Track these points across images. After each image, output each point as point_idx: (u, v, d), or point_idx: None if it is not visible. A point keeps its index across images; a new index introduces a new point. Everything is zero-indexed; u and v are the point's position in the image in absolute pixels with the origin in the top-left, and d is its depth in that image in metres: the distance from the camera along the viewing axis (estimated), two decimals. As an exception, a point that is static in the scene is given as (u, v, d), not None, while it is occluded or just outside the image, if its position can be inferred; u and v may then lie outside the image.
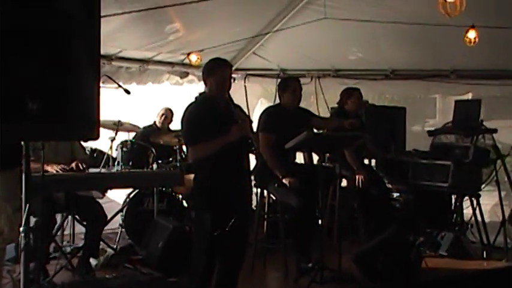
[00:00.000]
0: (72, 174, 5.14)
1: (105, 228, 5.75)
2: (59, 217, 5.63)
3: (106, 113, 5.42)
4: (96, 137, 3.01)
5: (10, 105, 2.61)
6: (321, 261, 5.01)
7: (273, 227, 6.08)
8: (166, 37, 7.39)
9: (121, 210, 6.54)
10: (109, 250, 5.84)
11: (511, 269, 5.82)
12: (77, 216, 5.65)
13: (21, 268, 3.21)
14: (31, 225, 3.20)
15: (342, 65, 8.67)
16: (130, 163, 6.30)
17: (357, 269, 5.12)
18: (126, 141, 6.53)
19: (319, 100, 8.67)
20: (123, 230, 6.54)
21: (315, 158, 6.11)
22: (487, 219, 6.68)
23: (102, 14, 2.97)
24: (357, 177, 6.24)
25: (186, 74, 8.53)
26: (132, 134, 7.04)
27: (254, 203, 5.55)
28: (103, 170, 5.65)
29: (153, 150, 6.67)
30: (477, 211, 6.52)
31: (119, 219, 6.54)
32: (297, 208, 5.30)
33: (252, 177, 4.99)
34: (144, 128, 7.48)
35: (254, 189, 5.58)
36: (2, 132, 2.58)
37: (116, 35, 6.65)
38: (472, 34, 6.53)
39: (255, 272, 5.58)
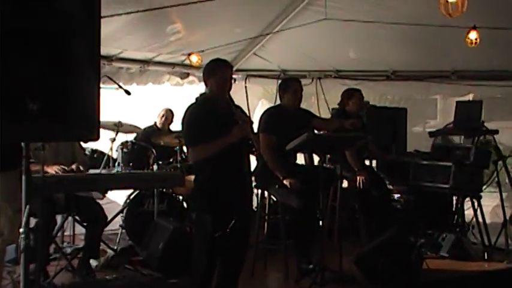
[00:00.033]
0: (73, 175, 5.13)
1: (106, 229, 5.73)
2: (59, 218, 5.62)
3: (106, 113, 5.39)
4: (96, 137, 3.00)
5: (10, 106, 2.60)
6: (321, 262, 4.99)
7: (274, 228, 6.08)
8: (166, 38, 7.39)
9: (121, 211, 6.53)
10: (109, 251, 5.83)
11: (512, 271, 5.82)
12: (77, 217, 5.64)
13: (21, 269, 3.19)
14: (31, 226, 3.19)
15: (342, 66, 8.66)
16: (131, 164, 6.28)
17: (358, 270, 5.11)
18: (126, 142, 6.51)
19: (320, 101, 8.66)
20: (123, 231, 6.53)
21: (316, 159, 6.09)
22: (488, 221, 6.68)
23: (102, 15, 2.96)
24: (357, 178, 6.23)
25: (187, 75, 8.53)
26: (132, 135, 7.02)
27: (255, 204, 5.54)
28: (103, 171, 5.64)
29: (154, 151, 6.66)
30: (478, 212, 6.52)
31: (119, 220, 6.53)
32: (298, 209, 5.29)
33: (253, 178, 4.98)
34: (144, 128, 7.47)
35: (255, 190, 5.57)
36: (2, 132, 2.57)
37: (117, 36, 6.65)
38: (473, 35, 6.52)
39: (256, 273, 5.57)
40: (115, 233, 6.65)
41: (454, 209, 6.77)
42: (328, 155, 6.58)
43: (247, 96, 8.87)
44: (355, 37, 7.82)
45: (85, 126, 2.89)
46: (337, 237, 6.33)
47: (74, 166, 5.27)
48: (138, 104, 7.84)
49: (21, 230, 3.13)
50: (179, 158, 6.89)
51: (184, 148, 6.68)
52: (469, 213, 6.66)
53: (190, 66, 8.11)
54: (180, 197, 7.05)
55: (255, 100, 9.27)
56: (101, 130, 3.07)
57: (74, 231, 6.26)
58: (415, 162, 6.84)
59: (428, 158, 6.82)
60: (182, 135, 4.70)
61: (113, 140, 6.06)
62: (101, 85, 3.05)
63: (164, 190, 6.74)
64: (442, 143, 7.10)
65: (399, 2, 6.90)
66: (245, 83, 9.01)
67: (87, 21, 2.85)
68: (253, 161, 4.51)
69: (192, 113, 4.20)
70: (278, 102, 6.00)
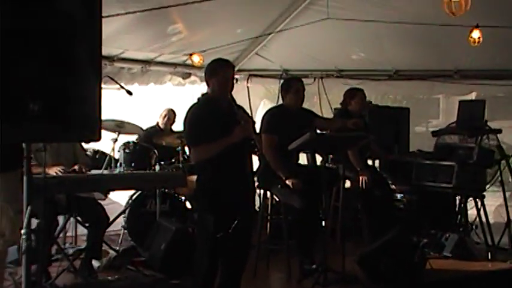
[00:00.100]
0: (74, 176, 5.13)
1: (108, 229, 5.73)
2: (61, 219, 5.61)
3: (108, 114, 5.40)
4: (97, 138, 2.99)
5: (11, 106, 2.60)
6: (324, 262, 4.99)
7: (276, 228, 6.07)
8: (168, 38, 7.37)
9: (123, 212, 6.52)
10: (111, 252, 5.82)
11: (515, 271, 5.79)
12: (79, 218, 5.63)
13: (22, 270, 3.18)
14: (33, 227, 3.18)
15: (345, 65, 8.64)
16: (133, 164, 6.28)
17: (361, 270, 5.10)
18: (128, 142, 6.50)
19: (323, 100, 8.64)
20: (125, 231, 6.52)
21: (318, 158, 6.08)
22: (491, 220, 6.65)
23: (103, 15, 2.95)
24: (360, 178, 6.22)
25: (189, 75, 8.52)
26: (134, 136, 7.01)
27: (257, 204, 5.53)
28: (105, 172, 5.64)
29: (156, 152, 6.65)
30: (481, 212, 6.50)
31: (121, 220, 6.51)
32: (300, 209, 5.28)
33: (255, 179, 4.97)
34: (146, 129, 7.46)
35: (257, 191, 5.55)
36: (2, 133, 2.56)
37: (118, 36, 6.63)
38: (476, 34, 6.49)
39: (258, 274, 5.55)
40: (117, 234, 6.64)
41: (457, 209, 6.74)
42: (331, 155, 6.58)
43: (249, 96, 8.86)
44: (358, 37, 7.80)
45: (86, 127, 2.88)
46: (340, 237, 6.31)
47: (76, 167, 5.26)
48: (139, 104, 7.82)
49: (22, 231, 3.12)
50: (181, 159, 6.87)
51: (186, 148, 6.66)
52: (472, 213, 6.64)
53: (192, 66, 8.10)
54: (183, 198, 7.04)
55: (257, 100, 9.26)
56: (103, 131, 3.07)
57: (76, 232, 6.25)
58: (418, 162, 6.82)
59: (431, 158, 6.81)
60: (184, 135, 4.68)
61: (115, 140, 6.05)
62: (103, 85, 3.05)
63: (166, 190, 6.72)
64: (444, 143, 7.07)
65: (402, 1, 6.88)
66: (247, 82, 9.01)
67: (88, 21, 2.84)
68: (255, 161, 4.50)
69: (194, 113, 4.19)
70: (280, 102, 5.98)
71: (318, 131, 5.78)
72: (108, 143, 6.03)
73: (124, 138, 6.47)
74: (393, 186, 7.12)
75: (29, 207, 3.08)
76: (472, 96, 8.62)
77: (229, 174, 4.07)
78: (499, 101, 8.59)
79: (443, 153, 6.75)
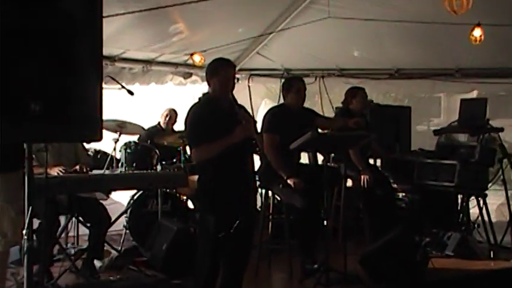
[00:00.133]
0: (76, 176, 5.13)
1: (109, 230, 5.72)
2: (63, 219, 5.61)
3: (109, 114, 5.40)
4: (99, 138, 2.99)
5: (12, 107, 2.59)
6: (326, 262, 4.98)
7: (278, 227, 6.06)
8: (169, 38, 7.37)
9: (125, 212, 6.51)
10: (113, 252, 5.81)
11: (518, 269, 5.78)
12: (80, 218, 5.63)
13: (24, 271, 3.18)
14: (34, 227, 3.18)
15: (346, 64, 8.64)
16: (134, 164, 6.27)
17: (363, 270, 5.09)
18: (129, 142, 6.49)
19: (324, 100, 8.64)
20: (127, 231, 6.52)
21: (320, 158, 6.07)
22: (493, 219, 6.65)
23: (104, 14, 2.95)
24: (362, 177, 6.21)
25: (190, 75, 8.52)
26: (135, 136, 7.00)
27: (259, 203, 5.52)
28: (107, 172, 5.64)
29: (157, 152, 6.65)
30: (484, 211, 6.49)
31: (123, 220, 6.50)
32: (302, 209, 5.27)
33: (257, 178, 4.96)
34: (148, 129, 7.46)
35: (259, 190, 5.54)
36: (3, 133, 2.55)
37: (119, 36, 6.64)
38: (477, 32, 6.48)
39: (260, 273, 5.55)
40: (119, 234, 6.63)
41: (459, 208, 6.73)
42: (332, 154, 6.57)
43: (250, 96, 8.86)
44: (359, 35, 7.80)
45: (87, 127, 2.88)
46: (342, 237, 6.30)
47: (77, 167, 5.26)
48: (141, 104, 7.83)
49: (24, 231, 3.11)
50: (183, 158, 6.87)
51: (188, 148, 6.66)
52: (474, 211, 6.63)
53: (193, 66, 8.10)
54: (184, 198, 7.03)
55: (258, 99, 9.25)
56: (104, 130, 3.06)
57: (77, 232, 6.25)
58: (420, 161, 6.82)
59: (432, 157, 6.80)
60: (185, 135, 4.67)
61: (116, 140, 6.05)
62: (104, 85, 3.05)
63: (168, 190, 6.72)
64: (446, 141, 7.07)
65: (403, 0, 6.87)
66: (248, 82, 9.00)
67: (89, 21, 2.84)
68: (256, 161, 4.49)
69: (195, 112, 4.18)
70: (281, 101, 5.97)
71: (320, 130, 5.77)
72: (109, 143, 6.03)
73: (125, 138, 6.47)
74: (395, 186, 7.11)
75: (30, 208, 3.07)
76: (474, 94, 8.60)
77: (231, 174, 4.05)
78: (500, 99, 8.57)
79: (445, 152, 6.75)
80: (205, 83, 4.33)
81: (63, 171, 5.07)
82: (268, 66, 8.85)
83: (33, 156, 3.31)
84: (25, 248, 3.11)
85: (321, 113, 6.88)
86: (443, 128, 7.32)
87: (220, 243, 4.03)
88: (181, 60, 8.18)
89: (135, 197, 6.66)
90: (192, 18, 7.01)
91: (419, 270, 5.18)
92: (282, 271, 5.71)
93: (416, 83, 8.59)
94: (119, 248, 6.09)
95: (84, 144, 5.80)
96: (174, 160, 7.02)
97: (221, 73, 4.15)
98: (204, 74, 4.34)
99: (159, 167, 6.53)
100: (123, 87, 6.01)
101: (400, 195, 7.35)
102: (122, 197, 7.05)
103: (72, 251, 5.93)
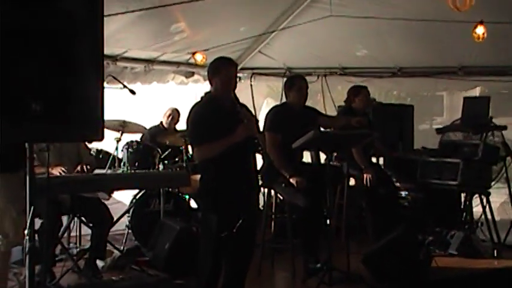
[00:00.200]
0: (78, 175, 5.12)
1: (112, 229, 5.71)
2: (65, 219, 5.60)
3: (111, 113, 5.39)
4: (100, 137, 2.98)
5: (12, 107, 2.58)
6: (329, 261, 4.96)
7: (281, 227, 6.05)
8: (171, 37, 7.36)
9: (127, 212, 6.51)
10: (115, 252, 5.80)
11: (522, 268, 5.77)
12: (83, 218, 5.62)
13: (26, 271, 3.17)
14: (36, 227, 3.17)
15: (348, 63, 8.62)
16: (136, 164, 6.26)
17: (366, 269, 5.09)
18: (131, 141, 6.49)
19: (326, 98, 8.62)
20: (129, 231, 6.50)
21: (323, 157, 6.06)
22: (496, 217, 6.62)
23: (106, 13, 2.93)
24: (364, 176, 6.20)
25: (192, 74, 8.51)
26: (137, 135, 7.00)
27: (261, 203, 5.51)
28: (109, 171, 5.63)
29: (159, 151, 6.64)
30: (487, 209, 6.47)
31: (125, 220, 6.50)
32: (305, 208, 5.26)
33: (259, 177, 4.95)
34: (150, 128, 7.45)
35: (261, 189, 5.54)
36: (3, 133, 2.54)
37: (121, 35, 6.63)
38: (480, 30, 6.45)
39: (263, 272, 5.55)
40: (121, 234, 6.62)
41: (462, 206, 6.73)
42: (335, 153, 6.55)
43: (252, 95, 8.84)
44: (361, 34, 7.78)
45: (88, 127, 2.87)
46: (345, 236, 6.30)
47: (79, 168, 5.25)
48: (143, 103, 7.82)
49: (26, 231, 3.10)
50: (185, 158, 6.86)
51: (190, 147, 6.65)
52: (477, 210, 6.61)
53: (195, 65, 8.08)
54: (187, 197, 7.02)
55: (261, 98, 9.25)
56: (106, 130, 3.06)
57: (80, 232, 6.23)
58: (423, 160, 6.80)
59: (435, 155, 6.78)
60: (187, 134, 4.66)
61: (118, 139, 6.04)
62: (106, 85, 3.04)
63: (170, 190, 6.71)
64: (449, 140, 7.05)
65: (405, -2, 6.87)
66: (250, 81, 9.00)
67: (89, 21, 2.83)
68: (259, 160, 4.48)
69: (197, 112, 4.16)
70: (284, 100, 5.96)
71: (322, 129, 5.76)
72: (111, 143, 6.02)
73: (127, 137, 6.47)
74: (398, 184, 7.10)
75: (32, 208, 3.06)
76: (476, 92, 8.59)
77: (233, 173, 4.04)
78: (503, 97, 8.54)
79: (448, 151, 6.73)
80: (207, 82, 4.32)
81: (65, 171, 5.06)
82: (271, 65, 8.83)
83: (35, 156, 3.30)
84: (27, 248, 3.10)
85: (324, 112, 6.86)
86: (446, 126, 7.30)
87: (223, 243, 4.02)
88: (183, 59, 8.17)
89: (138, 197, 6.65)
90: (194, 17, 7.00)
91: (423, 269, 5.17)
92: (284, 270, 5.70)
93: (419, 81, 8.57)
94: (121, 248, 6.08)
95: (87, 143, 5.79)
96: (177, 159, 7.01)
97: (223, 72, 4.14)
98: (206, 73, 4.33)
99: (161, 167, 6.52)
100: (125, 86, 6.01)
101: (403, 193, 7.34)
102: (124, 197, 7.06)
103: (75, 251, 5.92)
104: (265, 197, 5.76)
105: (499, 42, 7.09)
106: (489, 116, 6.53)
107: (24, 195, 3.10)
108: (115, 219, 5.68)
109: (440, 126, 7.46)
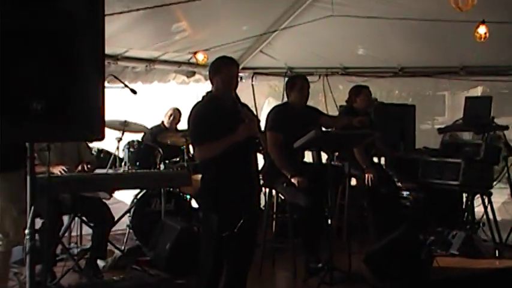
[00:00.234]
0: (79, 175, 5.11)
1: (113, 229, 5.71)
2: (65, 218, 5.60)
3: (112, 113, 5.38)
4: (100, 137, 2.97)
5: (12, 107, 2.58)
6: (330, 261, 4.96)
7: (282, 226, 6.05)
8: (172, 36, 7.35)
9: (128, 211, 6.50)
10: (116, 251, 5.79)
11: (523, 268, 5.76)
12: (84, 218, 5.61)
13: (26, 270, 3.16)
14: (37, 227, 3.16)
15: (350, 63, 8.61)
16: (138, 163, 6.26)
17: (367, 268, 5.07)
18: (133, 141, 6.49)
19: (328, 98, 8.61)
20: (130, 231, 6.50)
21: (324, 156, 6.05)
22: (498, 217, 6.60)
23: (107, 13, 2.93)
24: (366, 176, 6.19)
25: (193, 73, 8.50)
26: (138, 134, 6.99)
27: (262, 202, 5.50)
28: (110, 171, 5.62)
29: (160, 151, 6.63)
30: (489, 209, 6.46)
31: (126, 220, 6.49)
32: (306, 207, 5.25)
33: (260, 177, 4.94)
34: (151, 128, 7.46)
35: (262, 189, 5.53)
36: (3, 133, 2.54)
37: (122, 35, 6.62)
38: (482, 30, 6.44)
39: (264, 272, 5.54)
40: (122, 233, 6.62)
41: (464, 206, 6.71)
42: (336, 153, 6.55)
43: (254, 94, 8.83)
44: (362, 34, 7.77)
45: (88, 126, 2.86)
46: (346, 236, 6.29)
47: (79, 167, 5.25)
48: (144, 102, 7.81)
49: (26, 231, 3.10)
50: (186, 157, 6.85)
51: (191, 147, 6.64)
52: (479, 210, 6.60)
53: (196, 64, 8.08)
54: (188, 196, 7.02)
55: (262, 98, 9.24)
56: (108, 129, 3.05)
57: (81, 231, 6.23)
58: (424, 159, 6.79)
59: (437, 155, 6.77)
60: (188, 134, 4.65)
61: (119, 139, 6.03)
62: (107, 84, 3.03)
63: (171, 189, 6.70)
64: (450, 140, 7.04)
65: (407, -3, 6.86)
66: (252, 81, 8.98)
67: (90, 21, 2.82)
68: (260, 160, 4.47)
69: (198, 111, 4.16)
70: (285, 100, 5.95)
71: (323, 129, 5.76)
72: (112, 142, 6.02)
73: (129, 137, 6.46)
74: (399, 184, 7.09)
75: (32, 207, 3.06)
76: (478, 92, 8.57)
77: (234, 173, 4.04)
78: (505, 97, 8.53)
79: (449, 150, 6.72)
80: (209, 82, 4.31)
81: (65, 170, 5.05)
82: (272, 65, 8.82)
83: (36, 155, 3.30)
84: (27, 248, 3.10)
85: (325, 112, 6.84)
86: (447, 126, 7.29)
87: (224, 242, 4.01)
88: (184, 59, 8.16)
89: (139, 196, 6.65)
90: (195, 17, 6.99)
91: (424, 269, 5.17)
92: (286, 270, 5.69)
93: (421, 81, 8.56)
94: (122, 248, 6.08)
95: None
96: (178, 159, 7.00)
97: (224, 71, 4.13)
98: (207, 73, 4.33)
99: (162, 166, 6.52)
100: (126, 86, 6.00)
101: (405, 193, 7.32)
102: (125, 196, 7.05)
103: (75, 251, 5.92)
104: (267, 197, 5.77)
105: (500, 42, 7.07)
106: (491, 116, 6.51)
107: (25, 195, 3.09)
108: (116, 219, 5.68)
109: (442, 126, 7.43)
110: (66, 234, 5.95)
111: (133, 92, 5.89)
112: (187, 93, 8.63)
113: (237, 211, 4.00)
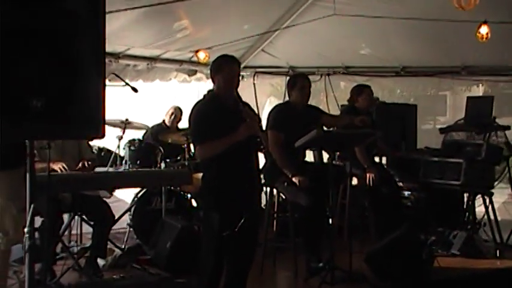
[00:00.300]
0: (79, 173, 5.10)
1: (113, 228, 5.70)
2: (66, 217, 5.59)
3: (113, 111, 5.37)
4: (101, 135, 2.96)
5: (12, 106, 2.57)
6: (331, 260, 4.95)
7: (283, 226, 6.05)
8: (174, 35, 7.35)
9: (129, 210, 6.49)
10: (117, 250, 5.78)
11: (524, 268, 5.75)
12: (84, 216, 5.60)
13: (26, 269, 3.15)
14: (37, 225, 3.15)
15: (352, 62, 8.61)
16: (138, 162, 6.25)
17: (368, 268, 5.06)
18: (133, 140, 6.48)
19: (329, 97, 8.62)
20: (131, 229, 6.49)
21: (325, 156, 6.04)
22: (499, 217, 6.60)
23: (108, 10, 2.91)
24: (367, 175, 6.19)
25: (194, 72, 8.50)
26: (139, 133, 6.99)
27: (264, 201, 5.49)
28: (110, 169, 5.62)
29: (161, 149, 6.63)
30: (490, 209, 6.45)
31: (126, 218, 6.48)
32: (307, 207, 5.24)
33: (261, 176, 4.93)
34: (152, 126, 7.46)
35: (263, 188, 5.52)
36: (4, 133, 2.53)
37: (123, 33, 6.62)
38: (484, 30, 6.43)
39: (265, 271, 5.53)
40: (122, 232, 6.61)
41: (465, 206, 6.70)
42: (338, 152, 6.54)
43: (255, 93, 8.83)
44: (364, 33, 7.77)
45: (88, 125, 2.85)
46: (347, 235, 6.28)
47: (80, 164, 5.24)
48: (145, 101, 7.80)
49: (26, 229, 3.09)
50: (187, 156, 6.85)
51: (192, 146, 6.64)
52: (480, 210, 6.59)
53: (198, 63, 8.08)
54: (189, 195, 7.01)
55: (264, 97, 9.23)
56: (108, 128, 3.04)
57: (81, 230, 6.22)
58: (426, 159, 6.79)
59: (438, 155, 6.76)
60: (189, 132, 4.64)
61: (120, 137, 6.03)
62: (108, 82, 3.02)
63: (172, 188, 6.70)
64: (452, 140, 7.03)
65: (409, -3, 6.85)
66: (253, 79, 8.98)
67: (90, 20, 2.80)
68: (261, 159, 4.46)
69: (199, 110, 4.15)
70: (287, 99, 5.94)
71: (325, 128, 5.75)
72: (113, 141, 6.01)
73: (129, 135, 6.45)
74: (400, 184, 7.08)
75: (32, 205, 3.04)
76: (480, 92, 8.56)
77: (235, 172, 4.03)
78: (507, 97, 8.52)
79: (451, 150, 6.71)
80: (210, 80, 4.31)
81: (66, 167, 5.04)
82: (274, 64, 8.82)
83: (36, 153, 3.28)
84: (27, 246, 3.08)
85: (327, 111, 6.84)
86: (449, 126, 7.28)
87: (225, 241, 4.00)
88: (185, 57, 8.16)
89: (139, 195, 6.64)
90: (197, 15, 6.99)
91: (425, 268, 5.16)
92: (287, 269, 5.68)
93: (422, 80, 8.57)
94: (123, 246, 6.07)
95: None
96: (178, 158, 6.99)
97: (225, 70, 4.12)
98: (209, 71, 4.32)
99: (163, 165, 6.51)
100: (127, 84, 5.99)
101: (406, 193, 7.31)
102: (125, 195, 7.04)
103: (75, 249, 5.90)
104: (268, 196, 5.75)
105: (503, 42, 7.07)
106: (492, 116, 6.50)
107: (25, 193, 3.08)
108: (116, 217, 5.66)
109: (444, 125, 7.43)
110: (66, 233, 5.93)
111: (135, 90, 5.88)
112: (189, 91, 8.63)
113: (238, 210, 3.99)
